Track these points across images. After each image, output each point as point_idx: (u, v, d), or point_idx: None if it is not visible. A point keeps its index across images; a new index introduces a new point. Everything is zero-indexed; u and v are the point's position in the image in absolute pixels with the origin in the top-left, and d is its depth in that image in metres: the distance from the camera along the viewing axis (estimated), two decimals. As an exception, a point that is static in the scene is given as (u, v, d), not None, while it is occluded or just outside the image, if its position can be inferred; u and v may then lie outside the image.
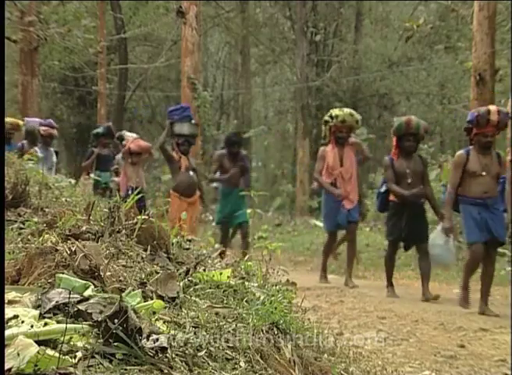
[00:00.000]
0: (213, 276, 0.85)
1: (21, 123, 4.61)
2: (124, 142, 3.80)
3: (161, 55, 9.28)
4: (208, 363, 0.61)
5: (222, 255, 2.87)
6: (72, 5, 7.73)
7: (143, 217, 0.89)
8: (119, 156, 3.94)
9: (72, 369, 0.53)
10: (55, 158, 3.96)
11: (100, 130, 4.45)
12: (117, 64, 9.80)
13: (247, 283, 0.88)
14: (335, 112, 3.12)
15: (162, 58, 9.10)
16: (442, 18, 8.36)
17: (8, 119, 4.37)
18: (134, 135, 3.95)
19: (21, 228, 0.96)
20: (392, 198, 2.81)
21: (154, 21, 9.45)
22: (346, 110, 3.19)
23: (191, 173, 3.36)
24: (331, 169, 3.10)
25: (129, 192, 3.43)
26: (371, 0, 9.43)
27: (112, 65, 9.73)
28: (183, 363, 0.60)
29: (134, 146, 3.70)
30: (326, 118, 3.14)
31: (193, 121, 3.54)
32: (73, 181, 2.23)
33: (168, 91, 10.49)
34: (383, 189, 2.84)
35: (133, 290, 0.69)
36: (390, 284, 2.83)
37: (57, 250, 0.73)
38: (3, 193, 1.01)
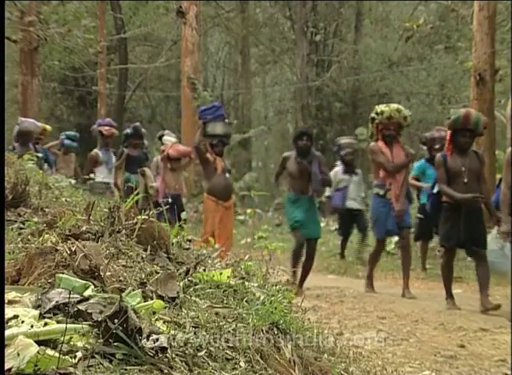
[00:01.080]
0: (213, 276, 0.85)
1: (48, 127, 4.41)
2: (163, 147, 3.60)
3: (161, 55, 9.29)
4: (208, 363, 0.61)
5: (294, 276, 2.64)
6: (72, 5, 7.73)
7: (142, 217, 0.89)
8: (158, 158, 3.67)
9: (72, 369, 0.53)
10: (114, 160, 3.74)
11: (128, 130, 4.15)
12: (117, 64, 9.80)
13: (247, 283, 0.88)
14: (380, 108, 2.81)
15: (162, 58, 9.11)
16: (442, 18, 8.36)
17: (33, 120, 4.18)
18: (173, 139, 3.62)
19: (21, 228, 0.95)
20: (445, 199, 2.46)
21: (154, 21, 9.45)
22: (393, 106, 2.86)
23: (227, 175, 3.18)
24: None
25: (168, 200, 3.20)
26: (371, 0, 9.43)
27: (112, 65, 9.73)
28: (183, 363, 0.60)
29: (173, 152, 3.50)
30: (372, 115, 2.83)
31: (226, 120, 3.37)
32: (73, 181, 2.21)
33: (168, 91, 10.50)
34: (435, 190, 2.50)
35: (133, 290, 0.69)
36: (450, 296, 2.47)
37: (57, 250, 0.73)
38: (3, 193, 1.01)
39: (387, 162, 2.77)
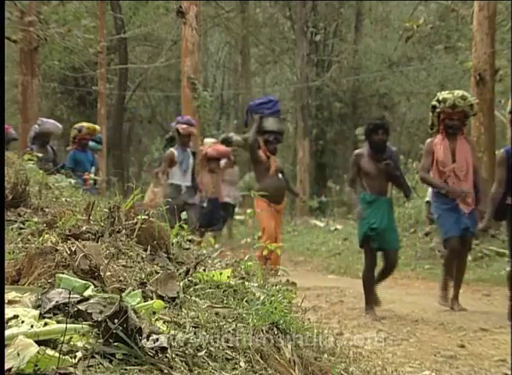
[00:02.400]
0: (213, 276, 0.85)
1: (98, 127, 4.06)
2: (201, 147, 3.56)
3: (161, 55, 9.28)
4: (208, 363, 0.61)
5: (369, 303, 2.19)
6: (72, 5, 7.73)
7: (143, 217, 0.89)
8: (171, 150, 3.43)
9: (72, 369, 0.52)
10: (191, 160, 3.35)
11: (171, 134, 3.79)
12: (117, 64, 9.80)
13: (247, 283, 0.88)
14: (443, 95, 2.40)
15: (162, 58, 9.11)
16: (442, 18, 8.37)
17: (84, 124, 3.80)
18: (213, 140, 3.57)
19: (21, 228, 0.95)
20: (510, 201, 2.18)
21: (154, 21, 9.45)
22: (457, 92, 2.43)
23: (280, 175, 2.92)
24: (441, 165, 2.36)
25: (204, 204, 3.15)
26: (371, 0, 9.43)
27: (112, 65, 9.73)
28: (183, 363, 0.60)
29: (212, 151, 3.43)
30: (433, 102, 2.42)
31: (281, 116, 3.19)
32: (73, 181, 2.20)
33: (168, 91, 10.50)
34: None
35: (133, 290, 0.69)
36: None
37: (57, 250, 0.73)
38: (3, 193, 1.01)
39: (426, 165, 2.39)
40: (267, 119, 2.96)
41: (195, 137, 3.67)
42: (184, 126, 3.37)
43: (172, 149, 3.37)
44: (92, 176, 3.64)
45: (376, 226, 2.30)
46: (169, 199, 2.67)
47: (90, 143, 4.00)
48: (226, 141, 3.74)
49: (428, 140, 2.53)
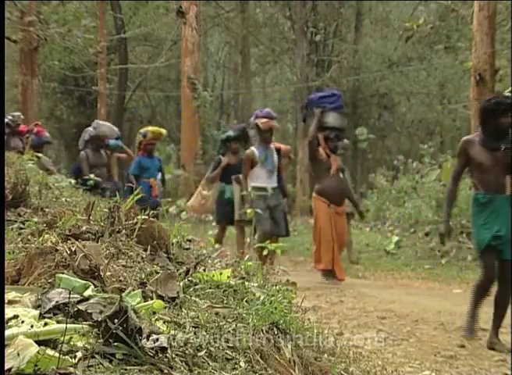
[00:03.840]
0: (213, 276, 0.85)
1: (164, 131, 3.74)
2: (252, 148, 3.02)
3: (161, 55, 9.30)
4: (208, 363, 0.61)
5: (471, 326, 1.59)
6: (72, 5, 7.74)
7: (143, 217, 0.89)
8: (220, 157, 3.22)
9: (72, 369, 0.52)
10: (276, 158, 2.87)
11: (231, 133, 3.39)
12: (117, 64, 9.81)
13: (247, 283, 0.88)
14: None
15: (162, 58, 9.12)
16: (442, 18, 8.37)
17: (149, 128, 3.56)
18: None
19: (21, 228, 0.95)
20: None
21: (154, 21, 9.46)
22: None
23: (341, 175, 2.74)
24: None
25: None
26: (371, 0, 9.43)
27: (112, 65, 9.74)
28: (183, 363, 0.59)
29: None
30: None
31: (343, 112, 2.97)
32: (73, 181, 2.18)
33: (168, 91, 10.50)
34: None
35: (133, 290, 0.69)
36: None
37: (57, 250, 0.73)
38: (3, 193, 1.01)
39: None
40: (328, 115, 2.71)
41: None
42: (264, 120, 2.88)
43: (252, 148, 2.92)
44: (158, 183, 3.40)
45: (502, 233, 1.73)
46: (255, 204, 2.50)
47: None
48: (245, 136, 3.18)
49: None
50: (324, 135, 2.75)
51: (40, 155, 3.67)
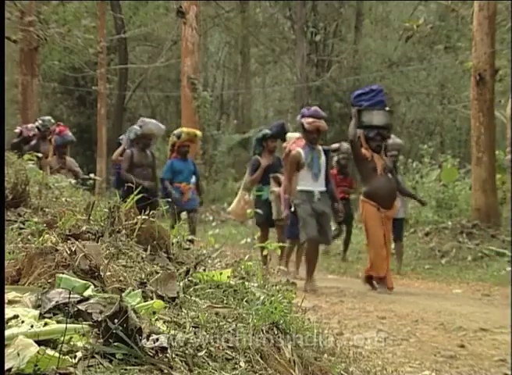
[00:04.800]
0: (213, 276, 0.85)
1: (199, 133, 3.55)
2: (285, 144, 2.86)
3: (161, 55, 9.31)
4: (208, 363, 0.61)
5: None
6: (72, 5, 7.74)
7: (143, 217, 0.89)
8: (256, 157, 2.96)
9: (72, 369, 0.53)
10: (323, 160, 2.68)
11: (268, 130, 3.14)
12: (117, 64, 9.83)
13: (247, 283, 0.88)
14: None
15: (162, 58, 9.13)
16: (442, 18, 8.38)
17: (184, 129, 3.34)
18: (298, 134, 2.81)
19: (21, 228, 0.95)
20: None
21: (154, 21, 9.48)
22: None
23: (389, 175, 2.55)
24: None
25: (292, 209, 2.55)
26: (371, 0, 9.44)
27: (112, 65, 9.76)
28: (183, 363, 0.59)
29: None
30: None
31: (387, 108, 2.65)
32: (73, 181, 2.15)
33: (168, 91, 10.51)
34: None
35: (133, 290, 0.69)
36: None
37: (57, 250, 0.73)
38: (3, 193, 1.01)
39: None
40: (366, 113, 2.53)
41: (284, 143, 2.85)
42: (310, 119, 2.66)
43: (298, 149, 2.69)
44: (192, 187, 3.11)
45: None
46: (300, 209, 2.30)
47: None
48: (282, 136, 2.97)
49: None
50: (364, 135, 2.57)
51: (68, 158, 3.60)
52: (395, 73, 9.01)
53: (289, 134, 3.02)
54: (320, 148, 2.77)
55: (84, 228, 0.86)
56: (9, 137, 4.61)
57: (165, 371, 0.56)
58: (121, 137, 3.76)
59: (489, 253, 3.91)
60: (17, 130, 4.35)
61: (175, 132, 3.50)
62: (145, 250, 0.87)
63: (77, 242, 0.75)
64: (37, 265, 0.71)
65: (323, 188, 2.68)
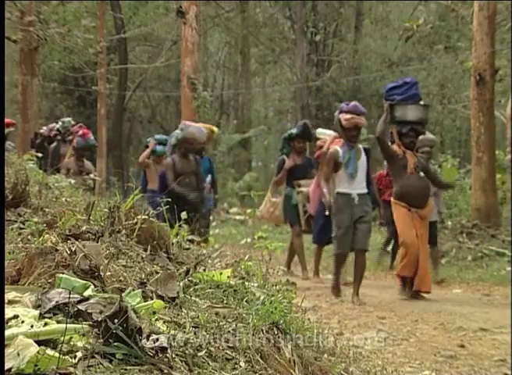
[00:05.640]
0: (213, 276, 0.85)
1: (215, 129, 3.44)
2: (319, 142, 2.72)
3: (161, 55, 9.30)
4: (208, 363, 0.61)
5: None
6: (72, 5, 7.74)
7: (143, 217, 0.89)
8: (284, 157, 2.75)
9: (72, 369, 0.53)
10: (363, 160, 2.45)
11: (293, 130, 3.02)
12: (117, 64, 9.82)
13: (247, 283, 0.88)
14: None
15: (162, 58, 9.12)
16: (442, 18, 8.38)
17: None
18: (331, 132, 2.65)
19: (21, 228, 0.95)
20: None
21: (154, 21, 9.48)
22: None
23: (421, 173, 2.36)
24: None
25: (326, 212, 2.38)
26: (371, 0, 9.44)
27: (111, 65, 9.75)
28: (183, 363, 0.60)
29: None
30: None
31: (421, 102, 2.46)
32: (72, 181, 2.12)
33: (168, 91, 10.51)
34: None
35: (133, 290, 0.69)
36: None
37: (57, 250, 0.73)
38: (3, 193, 1.01)
39: None
40: (400, 107, 2.34)
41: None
42: (348, 115, 2.40)
43: (336, 147, 2.46)
44: (207, 186, 2.96)
45: None
46: (337, 219, 2.13)
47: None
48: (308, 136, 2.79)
49: None
50: (397, 131, 2.38)
51: (86, 161, 3.39)
52: (395, 73, 9.00)
53: (321, 131, 2.84)
54: (360, 146, 2.52)
55: (84, 228, 0.86)
56: (13, 136, 4.51)
57: (165, 371, 0.56)
58: (148, 140, 3.66)
59: (489, 253, 3.91)
60: (42, 131, 4.24)
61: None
62: (145, 250, 0.88)
63: (77, 242, 0.75)
64: (37, 265, 0.71)
65: (363, 191, 2.44)
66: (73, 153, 3.49)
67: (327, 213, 2.51)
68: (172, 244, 0.94)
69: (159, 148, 3.46)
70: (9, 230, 0.92)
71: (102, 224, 0.89)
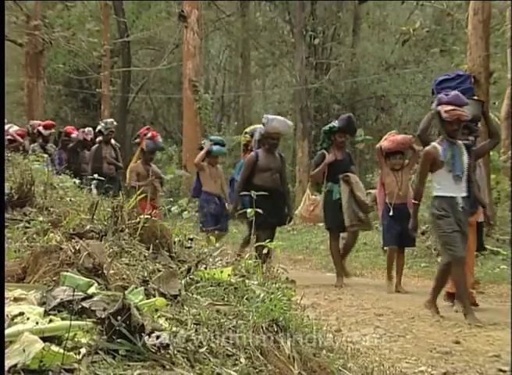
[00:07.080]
0: (214, 274, 0.86)
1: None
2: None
3: (163, 58, 9.36)
4: (209, 359, 0.62)
5: None
6: (77, 10, 7.79)
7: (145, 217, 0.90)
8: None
9: (76, 365, 0.53)
10: (466, 159, 2.05)
11: (335, 123, 2.77)
12: (120, 67, 9.86)
13: (247, 281, 0.88)
14: None
15: (164, 61, 9.18)
16: (437, 22, 8.42)
17: (257, 127, 2.77)
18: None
19: (27, 227, 0.96)
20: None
21: (157, 25, 9.53)
22: None
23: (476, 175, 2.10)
24: None
25: (393, 213, 2.22)
26: (369, 3, 9.49)
27: (115, 68, 9.79)
28: (185, 359, 0.60)
29: (388, 143, 2.43)
30: None
31: (475, 97, 2.21)
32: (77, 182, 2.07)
33: (170, 94, 10.55)
34: None
35: (136, 287, 0.70)
36: None
37: (61, 249, 0.74)
38: (3, 193, 1.02)
39: None
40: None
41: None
42: (449, 107, 2.04)
43: (434, 144, 2.08)
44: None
45: None
46: (443, 222, 1.85)
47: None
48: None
49: None
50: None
51: (153, 165, 3.16)
52: (392, 76, 9.04)
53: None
54: (461, 143, 2.09)
55: (88, 227, 0.87)
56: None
57: (167, 367, 0.57)
58: (203, 142, 3.39)
59: (484, 251, 3.92)
60: (74, 135, 4.05)
61: (247, 130, 3.04)
62: (147, 249, 0.88)
63: (81, 241, 0.76)
64: (42, 263, 0.72)
65: (466, 193, 2.08)
66: (140, 156, 3.18)
67: (391, 214, 2.35)
68: (174, 242, 0.95)
69: (215, 148, 3.18)
70: (15, 229, 0.92)
71: (106, 223, 0.90)
